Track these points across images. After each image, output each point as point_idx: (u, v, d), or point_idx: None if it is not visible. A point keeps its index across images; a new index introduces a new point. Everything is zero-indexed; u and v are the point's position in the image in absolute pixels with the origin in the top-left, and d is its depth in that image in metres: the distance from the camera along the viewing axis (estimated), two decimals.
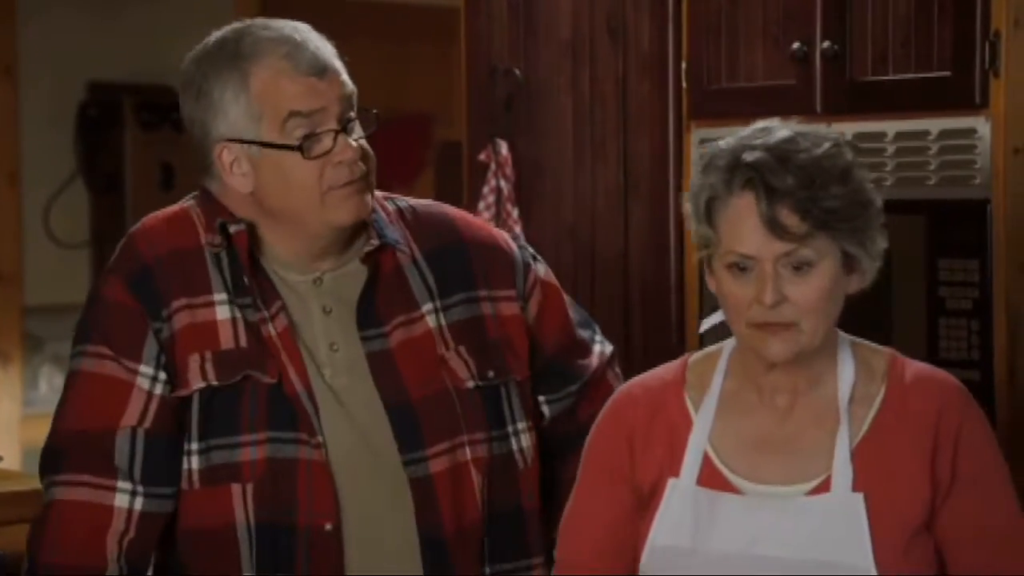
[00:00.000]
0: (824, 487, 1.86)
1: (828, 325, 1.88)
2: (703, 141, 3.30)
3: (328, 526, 2.16)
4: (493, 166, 3.75)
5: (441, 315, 2.27)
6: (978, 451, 1.87)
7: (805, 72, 3.14)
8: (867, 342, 1.99)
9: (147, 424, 2.17)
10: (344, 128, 2.18)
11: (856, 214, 1.86)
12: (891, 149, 3.04)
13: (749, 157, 1.85)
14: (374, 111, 2.24)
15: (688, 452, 1.93)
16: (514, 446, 2.28)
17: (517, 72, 3.74)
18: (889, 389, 1.90)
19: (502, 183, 3.74)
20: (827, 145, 1.87)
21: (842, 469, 1.85)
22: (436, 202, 2.42)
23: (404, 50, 5.51)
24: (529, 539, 2.28)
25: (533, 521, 2.27)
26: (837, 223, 1.84)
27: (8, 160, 4.96)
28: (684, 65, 3.38)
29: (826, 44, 3.10)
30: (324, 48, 2.21)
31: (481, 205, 3.75)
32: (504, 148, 3.74)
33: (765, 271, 1.84)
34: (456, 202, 4.11)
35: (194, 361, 2.18)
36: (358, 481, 2.19)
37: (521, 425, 2.29)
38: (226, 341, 2.18)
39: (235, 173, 2.21)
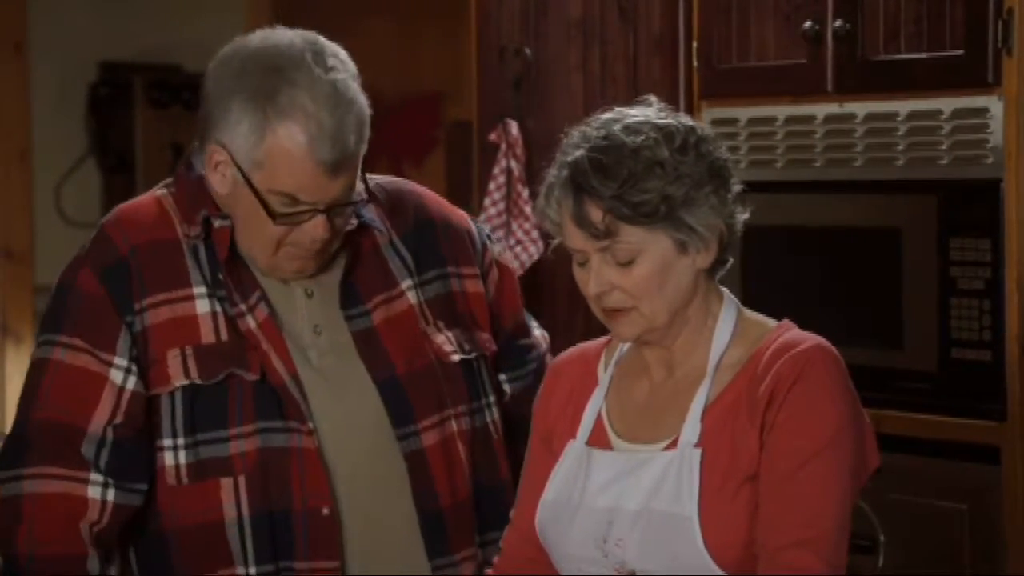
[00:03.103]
0: (674, 444, 1.98)
1: (671, 303, 1.99)
2: (714, 121, 3.29)
3: (325, 510, 2.16)
4: (503, 146, 3.74)
5: (419, 291, 2.29)
6: (800, 404, 1.94)
7: (816, 51, 3.13)
8: (759, 316, 2.06)
9: (118, 420, 2.16)
10: (328, 211, 2.16)
11: (670, 205, 1.94)
12: (903, 129, 3.03)
13: (571, 156, 1.98)
14: (365, 199, 2.22)
15: (585, 414, 2.07)
16: (488, 418, 2.32)
17: (527, 51, 3.74)
18: (752, 355, 1.99)
19: (512, 163, 3.73)
20: (641, 140, 1.96)
21: (691, 427, 1.97)
22: (400, 179, 2.42)
23: (414, 29, 5.51)
24: (510, 509, 2.29)
25: (510, 490, 2.28)
26: (647, 217, 1.94)
27: (19, 139, 4.97)
28: (695, 44, 3.37)
29: (838, 23, 3.09)
30: (352, 134, 2.14)
31: (491, 185, 3.75)
32: (514, 128, 3.74)
33: (592, 263, 1.97)
34: (467, 182, 4.11)
35: (174, 356, 2.17)
36: (353, 462, 2.20)
37: (492, 398, 2.33)
38: (207, 335, 2.17)
39: (217, 173, 2.19)
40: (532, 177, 3.73)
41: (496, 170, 3.75)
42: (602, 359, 2.12)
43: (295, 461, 2.16)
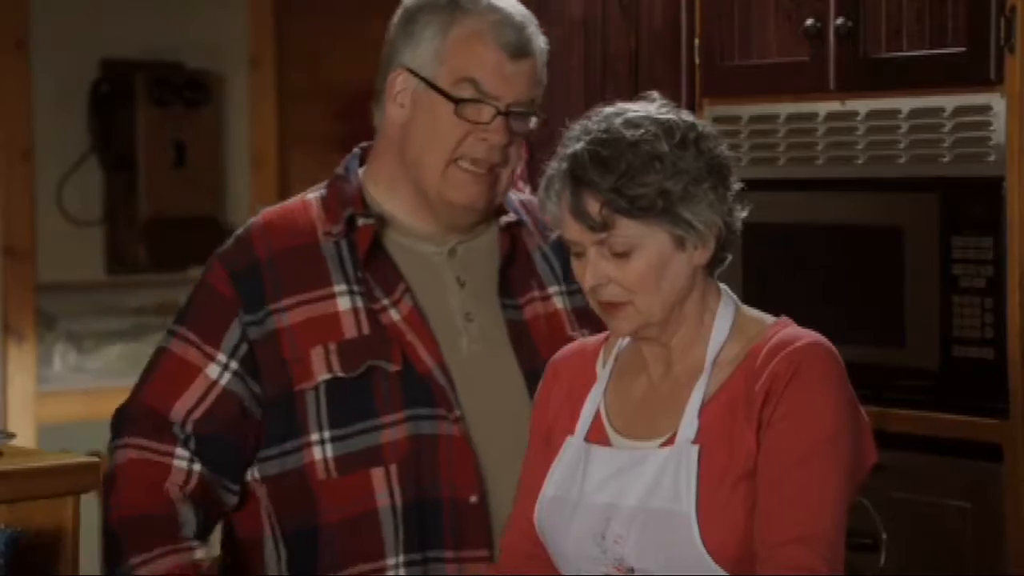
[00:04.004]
0: (672, 440, 1.98)
1: (667, 299, 1.99)
2: (716, 118, 3.29)
3: (473, 498, 2.19)
4: None
5: (567, 298, 2.34)
6: (797, 401, 1.93)
7: (818, 49, 3.13)
8: (757, 312, 2.05)
9: (196, 414, 2.23)
10: (507, 114, 2.23)
11: (668, 200, 1.95)
12: (905, 126, 3.03)
13: (570, 149, 1.99)
14: (543, 117, 2.30)
15: (584, 410, 2.07)
16: None
17: None
18: (749, 352, 1.99)
19: None
20: (641, 133, 1.96)
21: (688, 424, 1.97)
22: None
23: None
24: None
25: None
26: (644, 210, 1.94)
27: (21, 137, 4.97)
28: (697, 42, 3.37)
29: (840, 20, 3.09)
30: (534, 39, 2.28)
31: None
32: None
33: (589, 256, 1.98)
34: None
35: (317, 353, 2.21)
36: (498, 451, 2.22)
37: None
38: (349, 330, 2.22)
39: (396, 102, 2.27)
40: (533, 175, 3.73)
41: None
42: (600, 355, 2.12)
43: (443, 448, 2.19)
